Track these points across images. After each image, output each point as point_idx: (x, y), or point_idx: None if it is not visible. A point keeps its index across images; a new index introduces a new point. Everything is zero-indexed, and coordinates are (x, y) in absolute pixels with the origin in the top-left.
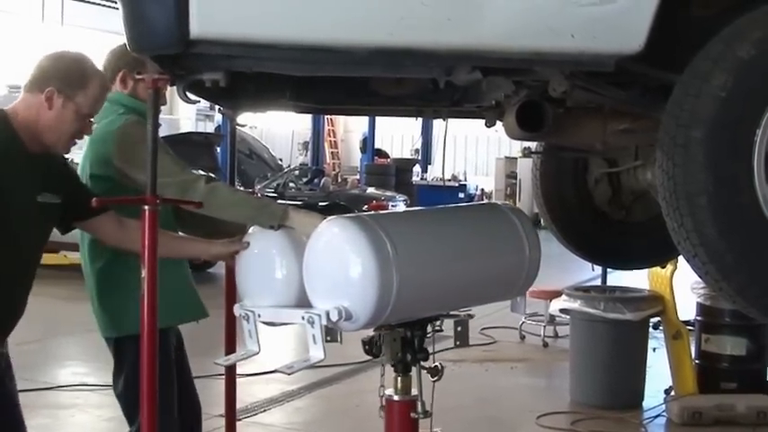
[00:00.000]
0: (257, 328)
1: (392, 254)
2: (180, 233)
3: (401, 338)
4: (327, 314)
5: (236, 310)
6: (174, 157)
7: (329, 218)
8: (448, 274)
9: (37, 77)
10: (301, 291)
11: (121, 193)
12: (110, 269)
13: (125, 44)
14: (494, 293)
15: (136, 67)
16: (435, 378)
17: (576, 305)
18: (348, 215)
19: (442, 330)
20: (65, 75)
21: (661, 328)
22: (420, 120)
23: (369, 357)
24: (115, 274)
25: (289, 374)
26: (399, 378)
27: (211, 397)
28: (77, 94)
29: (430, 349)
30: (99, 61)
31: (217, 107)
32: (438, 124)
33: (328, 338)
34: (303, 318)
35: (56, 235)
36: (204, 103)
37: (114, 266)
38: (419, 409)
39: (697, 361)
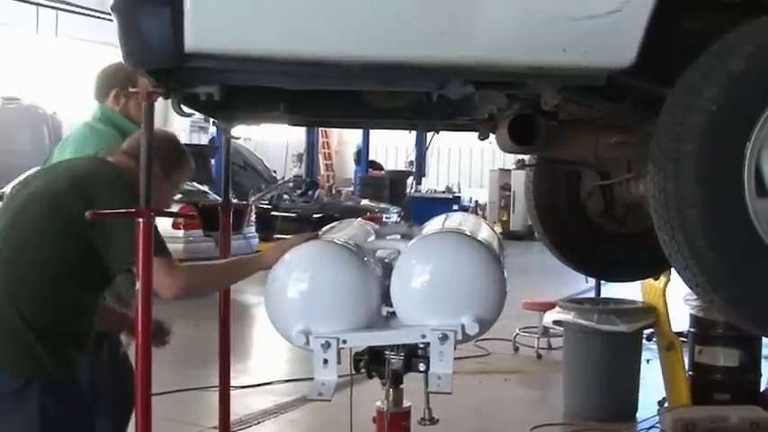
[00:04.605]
0: (338, 356)
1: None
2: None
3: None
4: (463, 327)
5: (312, 340)
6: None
7: (420, 237)
8: None
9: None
10: (374, 311)
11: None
12: None
13: (117, 63)
14: None
15: (127, 86)
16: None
17: (569, 317)
18: (437, 230)
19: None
20: (165, 155)
21: (654, 339)
22: (414, 132)
23: (363, 370)
24: None
25: (450, 394)
26: (392, 390)
27: (205, 409)
28: (172, 171)
29: None
30: (93, 73)
31: (211, 119)
32: (431, 136)
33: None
34: (425, 336)
35: None
36: (198, 115)
37: None
38: (426, 415)
39: (690, 372)
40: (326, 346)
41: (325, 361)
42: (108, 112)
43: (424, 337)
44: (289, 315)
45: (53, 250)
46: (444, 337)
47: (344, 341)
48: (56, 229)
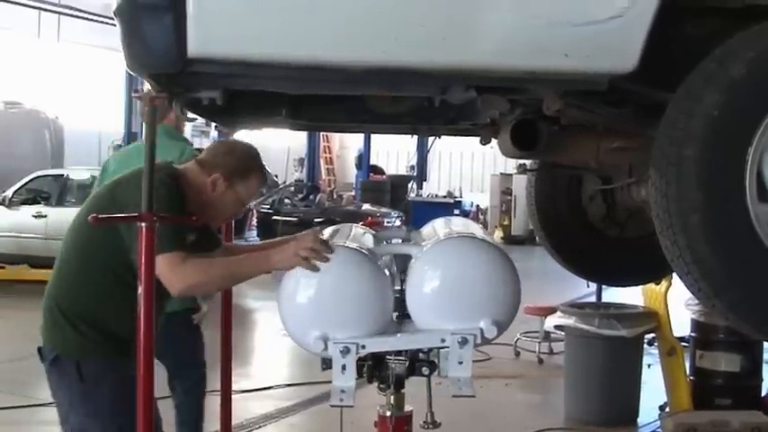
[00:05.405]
0: (355, 362)
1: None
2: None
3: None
4: (482, 331)
5: (331, 346)
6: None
7: (435, 242)
8: None
9: (209, 162)
10: (388, 316)
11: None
12: None
13: None
14: None
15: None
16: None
17: (570, 321)
18: (452, 235)
19: None
20: (229, 166)
21: (656, 344)
22: (415, 137)
23: (365, 374)
24: None
25: (474, 396)
26: (393, 395)
27: (206, 413)
28: (237, 183)
29: None
30: (96, 77)
31: (213, 124)
32: (432, 141)
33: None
34: (444, 340)
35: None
36: (200, 120)
37: None
38: (428, 419)
39: (692, 377)
40: (346, 351)
41: (344, 367)
42: (172, 131)
43: (443, 341)
44: (306, 321)
45: (93, 253)
46: (464, 341)
47: (363, 346)
48: (97, 233)
